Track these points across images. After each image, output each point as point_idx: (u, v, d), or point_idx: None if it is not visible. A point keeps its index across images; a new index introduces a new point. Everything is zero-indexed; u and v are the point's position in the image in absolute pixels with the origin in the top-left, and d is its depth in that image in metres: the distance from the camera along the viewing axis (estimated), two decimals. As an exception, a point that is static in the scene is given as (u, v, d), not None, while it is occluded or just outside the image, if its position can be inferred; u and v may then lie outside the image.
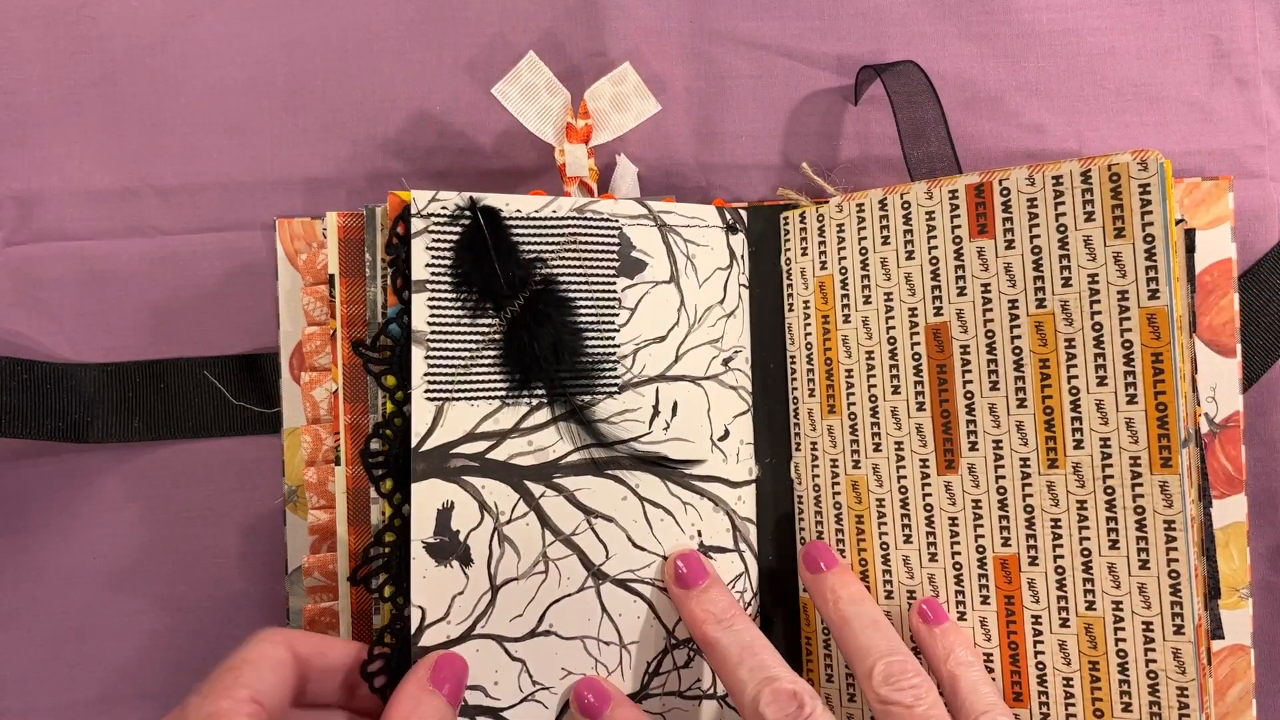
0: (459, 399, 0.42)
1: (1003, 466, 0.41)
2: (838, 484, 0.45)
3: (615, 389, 0.43)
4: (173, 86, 0.43)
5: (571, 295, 0.43)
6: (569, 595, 0.42)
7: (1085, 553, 0.39)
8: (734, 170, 0.49)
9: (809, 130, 0.49)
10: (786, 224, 0.48)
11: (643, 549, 0.43)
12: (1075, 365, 0.39)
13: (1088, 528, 0.39)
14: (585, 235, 0.43)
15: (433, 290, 0.42)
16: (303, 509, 0.44)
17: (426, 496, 0.41)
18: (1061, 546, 0.40)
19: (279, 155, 0.45)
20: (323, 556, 0.43)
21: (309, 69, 0.44)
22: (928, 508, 0.43)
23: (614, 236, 0.44)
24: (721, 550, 0.45)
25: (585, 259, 0.43)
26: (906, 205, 0.43)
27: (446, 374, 0.42)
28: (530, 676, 0.41)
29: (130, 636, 0.44)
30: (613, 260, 0.44)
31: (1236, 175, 0.45)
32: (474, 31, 0.46)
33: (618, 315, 0.44)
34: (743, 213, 0.47)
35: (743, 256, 0.47)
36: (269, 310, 0.45)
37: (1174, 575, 0.37)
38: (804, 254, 0.47)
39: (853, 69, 0.47)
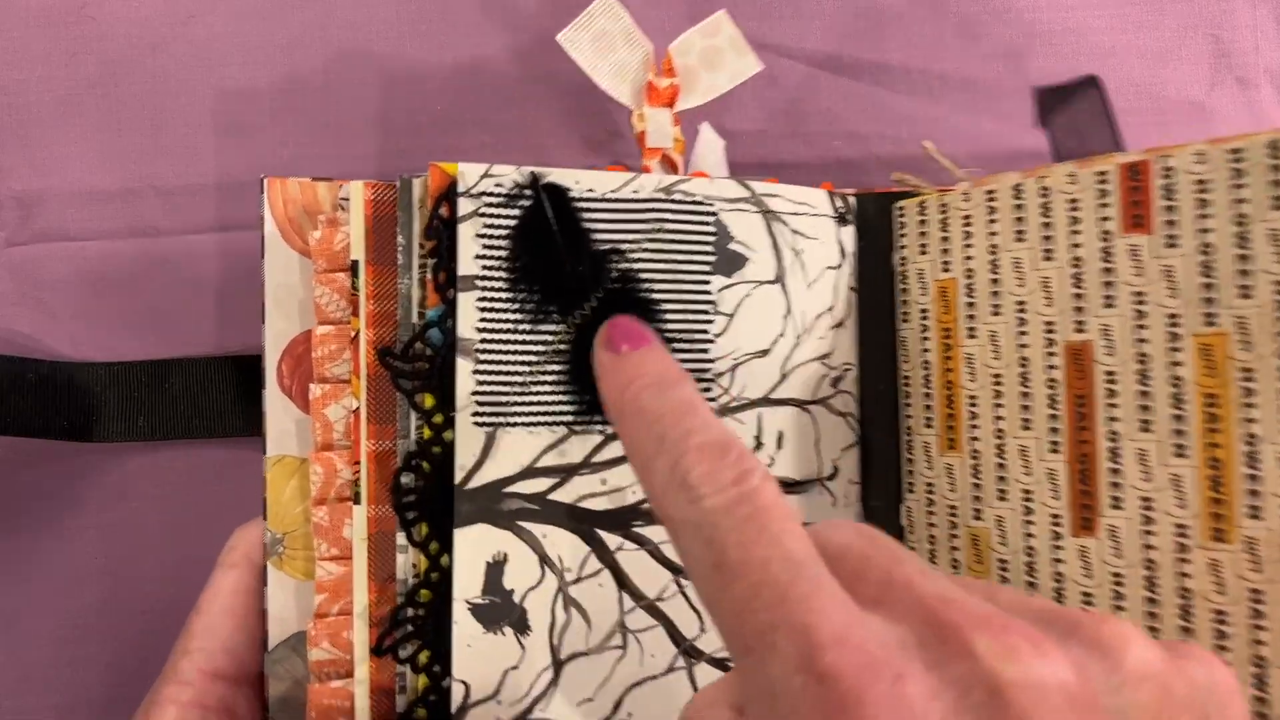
0: (515, 425, 0.35)
1: (1153, 534, 0.33)
2: (956, 537, 0.39)
3: (710, 415, 0.36)
4: (173, 86, 0.45)
5: (656, 297, 0.36)
6: (653, 677, 0.35)
7: (1259, 661, 0.31)
8: (735, 170, 0.45)
9: (810, 129, 0.48)
10: (901, 215, 0.41)
11: (747, 618, 0.36)
12: (1253, 405, 0.31)
13: (1265, 628, 0.31)
14: (674, 222, 0.36)
15: (484, 288, 0.34)
16: (290, 563, 0.37)
17: (473, 546, 0.34)
18: (1229, 650, 0.32)
19: (280, 155, 0.45)
20: (333, 621, 0.35)
21: (309, 69, 0.45)
22: (1058, 578, 0.36)
23: (709, 224, 0.37)
24: (830, 616, 0.38)
25: (674, 251, 0.36)
26: (1046, 192, 0.37)
27: (500, 393, 0.34)
28: (609, 782, 0.35)
29: (131, 639, 0.44)
30: (707, 254, 0.37)
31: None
32: (475, 31, 0.46)
33: (712, 322, 0.37)
34: (851, 200, 0.40)
35: (852, 254, 0.40)
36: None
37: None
38: (923, 252, 0.40)
39: (851, 68, 0.47)
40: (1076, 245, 0.35)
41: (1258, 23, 0.47)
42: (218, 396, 0.43)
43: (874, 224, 0.41)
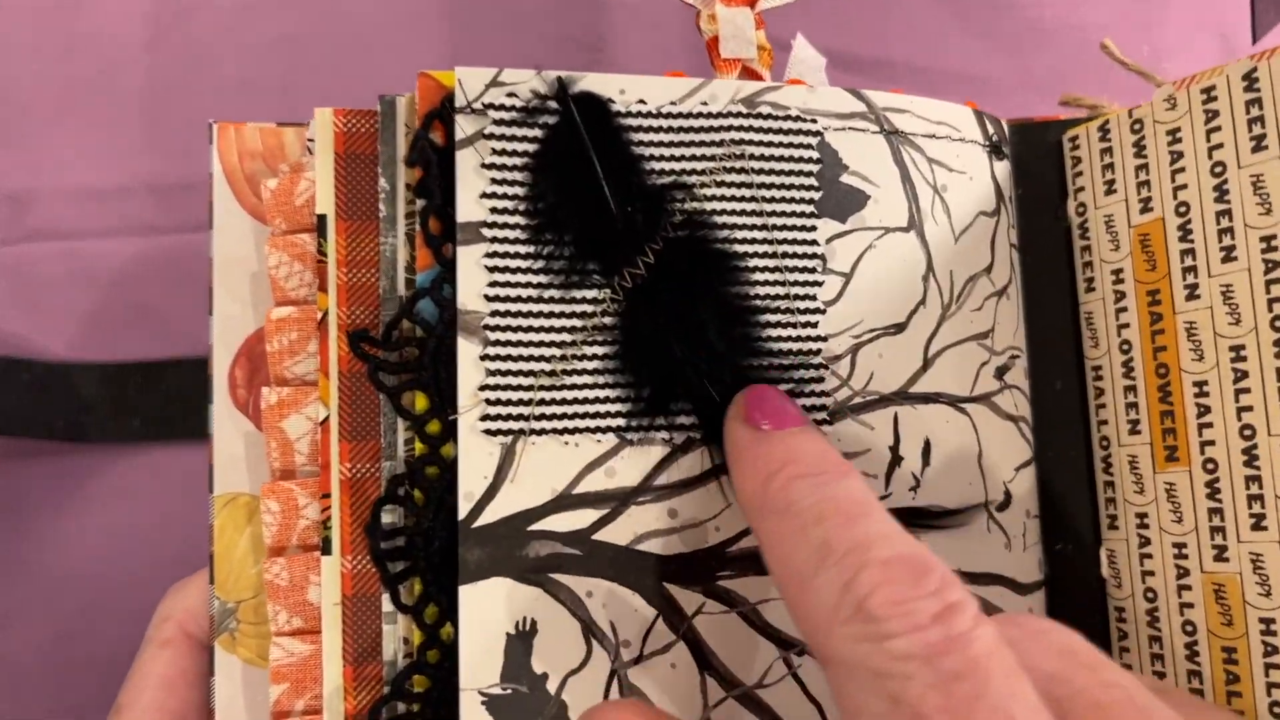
0: (542, 433, 0.24)
1: None
2: (1187, 589, 0.27)
3: (824, 415, 0.26)
4: (167, 83, 0.44)
5: (739, 249, 0.26)
6: (757, 802, 0.24)
7: None
8: None
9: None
10: (1075, 148, 0.30)
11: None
12: None
13: None
14: (761, 144, 0.26)
15: (495, 239, 0.25)
16: (246, 642, 0.27)
17: (487, 610, 0.24)
18: None
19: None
20: (297, 723, 0.25)
21: (305, 64, 0.45)
22: None
23: (810, 148, 0.26)
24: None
25: (761, 186, 0.26)
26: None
27: (520, 387, 0.24)
28: None
29: (124, 642, 0.39)
30: (809, 189, 0.26)
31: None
32: (473, 24, 0.45)
33: (821, 285, 0.26)
34: (1005, 126, 0.30)
35: (1010, 199, 0.29)
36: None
37: None
38: (1110, 192, 0.29)
39: (854, 64, 0.46)
40: (1363, 140, 0.24)
41: None
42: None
43: (1037, 165, 0.31)
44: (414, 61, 0.43)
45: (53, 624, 0.43)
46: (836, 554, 0.19)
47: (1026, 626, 0.20)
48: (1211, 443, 0.27)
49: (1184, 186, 0.27)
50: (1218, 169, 0.27)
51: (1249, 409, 0.26)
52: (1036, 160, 0.31)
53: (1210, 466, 0.27)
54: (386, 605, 0.25)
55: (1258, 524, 0.26)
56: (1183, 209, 0.27)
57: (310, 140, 0.27)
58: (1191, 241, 0.27)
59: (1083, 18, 0.47)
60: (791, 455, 0.22)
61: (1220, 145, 0.27)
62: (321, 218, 0.26)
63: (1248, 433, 0.26)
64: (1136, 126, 0.29)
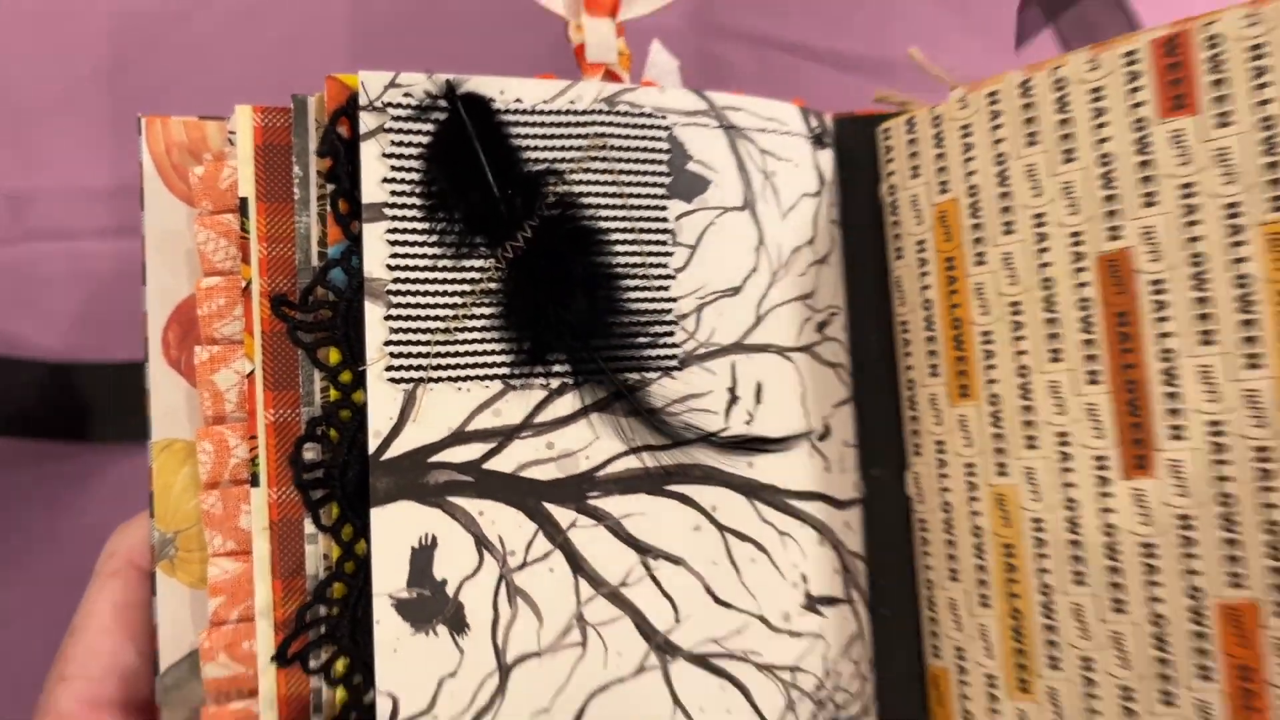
0: (438, 380, 0.29)
1: (1227, 463, 0.28)
2: (976, 500, 0.33)
3: (674, 363, 0.31)
4: (166, 84, 0.45)
5: (603, 225, 0.30)
6: (621, 680, 0.29)
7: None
8: None
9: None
10: (888, 138, 0.36)
11: (729, 605, 0.31)
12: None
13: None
14: (620, 137, 0.31)
15: (395, 218, 0.29)
16: (185, 567, 0.31)
17: (395, 528, 0.28)
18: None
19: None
20: (230, 631, 0.29)
21: (303, 65, 0.45)
22: (1108, 530, 0.30)
23: (661, 141, 0.31)
24: (831, 602, 0.32)
25: (621, 172, 0.31)
26: (1061, 85, 0.31)
27: (419, 342, 0.29)
28: (569, 806, 0.28)
29: None
30: (661, 174, 0.31)
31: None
32: (471, 26, 0.46)
33: (671, 254, 0.31)
34: (828, 120, 0.35)
35: (832, 183, 0.35)
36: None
37: None
38: (915, 175, 0.35)
39: (854, 65, 0.48)
40: (1103, 140, 0.30)
41: None
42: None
43: (856, 152, 0.36)
44: (411, 58, 0.44)
45: (50, 625, 0.40)
46: None
47: None
48: (995, 381, 0.33)
49: (974, 172, 0.33)
50: (1000, 158, 0.33)
51: (1024, 353, 0.32)
52: (857, 149, 0.36)
53: (994, 400, 0.33)
54: (309, 528, 0.29)
55: (1030, 444, 0.32)
56: (972, 190, 0.33)
57: (232, 133, 0.31)
58: (980, 217, 0.33)
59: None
60: None
61: (1002, 140, 0.33)
62: (244, 200, 0.30)
63: (1023, 372, 0.32)
64: (936, 121, 0.34)
